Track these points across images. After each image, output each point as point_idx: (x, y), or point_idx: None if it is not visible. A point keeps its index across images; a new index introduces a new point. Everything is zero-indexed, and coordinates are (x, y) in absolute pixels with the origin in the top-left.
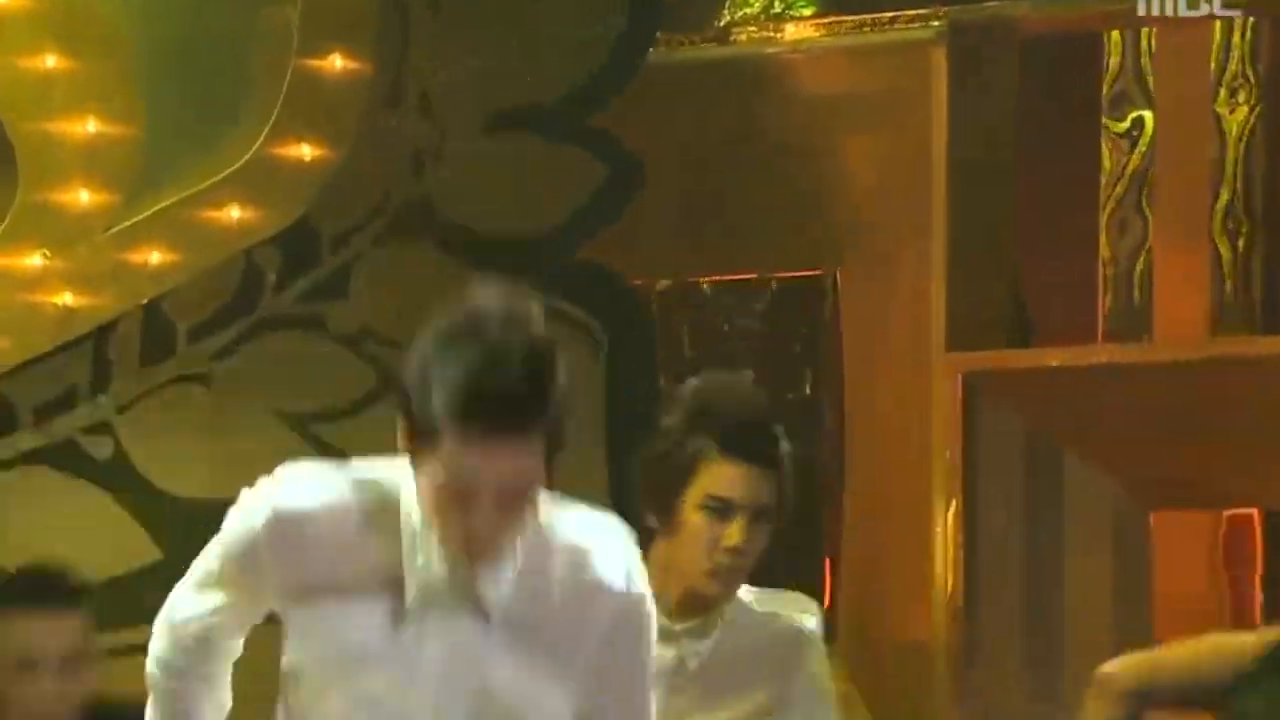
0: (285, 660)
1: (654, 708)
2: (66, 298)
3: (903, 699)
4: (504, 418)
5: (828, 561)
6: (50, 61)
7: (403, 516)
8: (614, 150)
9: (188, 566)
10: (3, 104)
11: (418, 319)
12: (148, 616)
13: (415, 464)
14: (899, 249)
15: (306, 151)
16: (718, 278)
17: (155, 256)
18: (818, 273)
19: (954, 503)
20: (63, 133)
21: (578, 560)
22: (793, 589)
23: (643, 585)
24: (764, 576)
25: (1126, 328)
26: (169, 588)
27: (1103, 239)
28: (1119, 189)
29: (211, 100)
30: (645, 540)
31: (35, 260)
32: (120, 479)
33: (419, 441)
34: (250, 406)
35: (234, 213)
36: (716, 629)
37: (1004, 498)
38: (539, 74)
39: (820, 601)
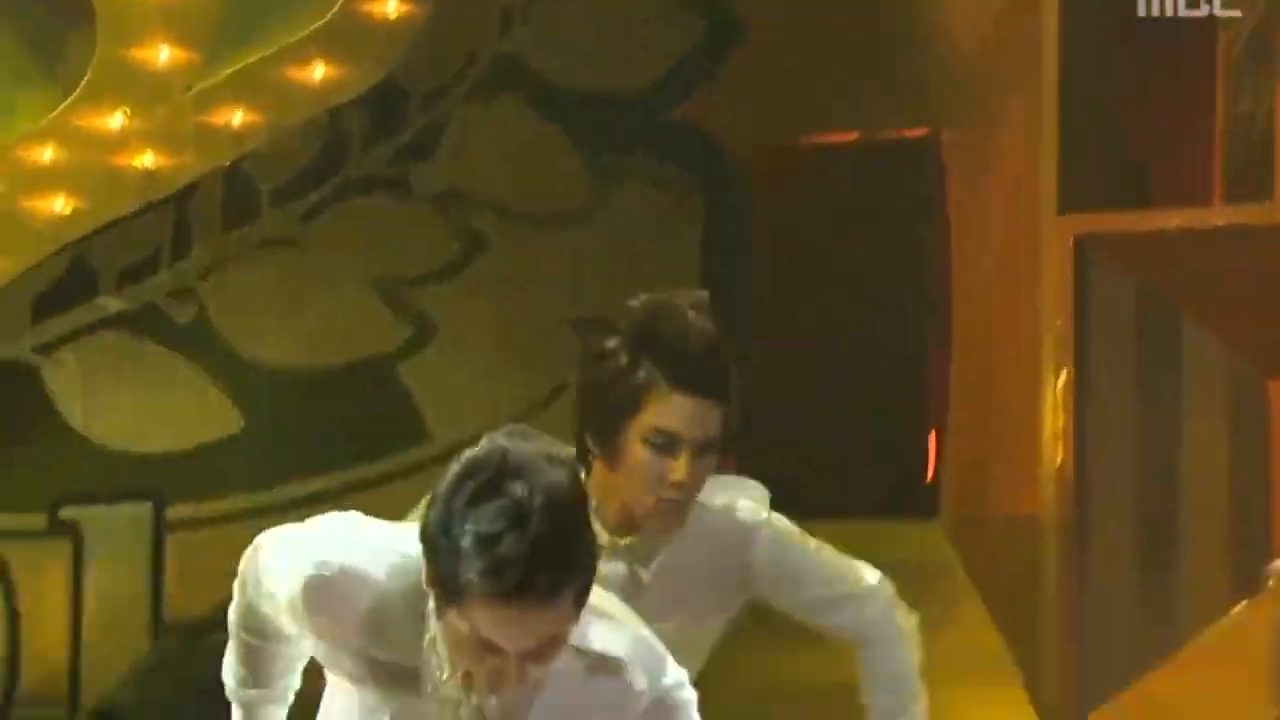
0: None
1: None
2: (147, 159)
3: (1009, 576)
4: (532, 587)
5: (933, 432)
6: None
7: (428, 610)
8: (711, 4)
9: (270, 437)
10: None
11: (508, 180)
12: (230, 486)
13: (439, 606)
14: (1008, 106)
15: (392, 7)
16: (817, 139)
17: (237, 117)
18: (922, 132)
19: (1064, 372)
20: None
21: (608, 672)
22: (895, 461)
23: (677, 676)
24: (864, 442)
25: (1246, 188)
26: (251, 458)
27: (1221, 97)
28: (1239, 45)
29: None
30: (583, 458)
31: (115, 121)
32: (203, 345)
33: (444, 593)
34: (336, 271)
35: (318, 71)
36: (668, 544)
37: (1117, 366)
38: None
39: (923, 474)
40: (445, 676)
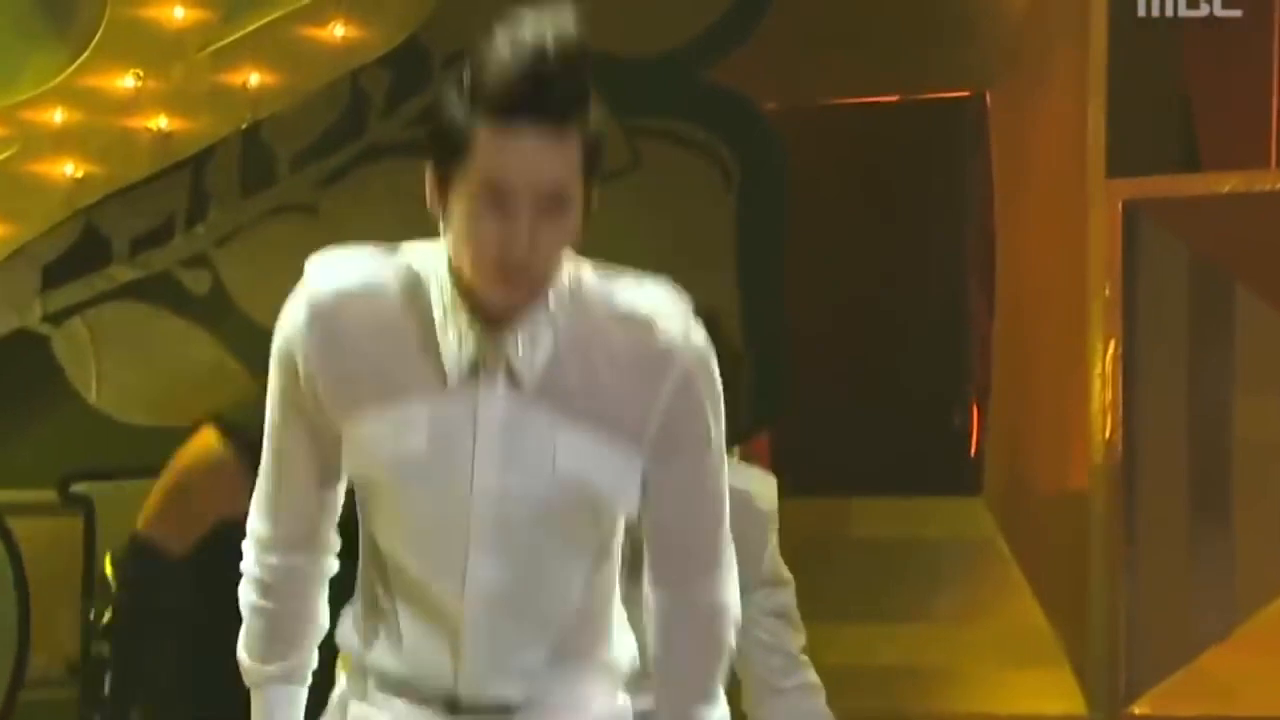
0: (350, 475)
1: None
2: (161, 122)
3: (1055, 555)
4: (538, 104)
5: (974, 403)
6: None
7: (433, 296)
8: None
9: None
10: None
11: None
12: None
13: (446, 212)
14: (1054, 66)
15: None
16: (855, 101)
17: (255, 78)
18: (965, 94)
19: (1113, 342)
20: None
21: (637, 328)
22: (935, 433)
23: (704, 341)
24: (906, 414)
25: None
26: None
27: (1276, 58)
28: None
29: None
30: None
31: (127, 81)
32: (219, 315)
33: (450, 165)
34: (357, 239)
35: (339, 30)
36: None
37: (1168, 336)
38: None
39: (967, 448)
40: (458, 344)
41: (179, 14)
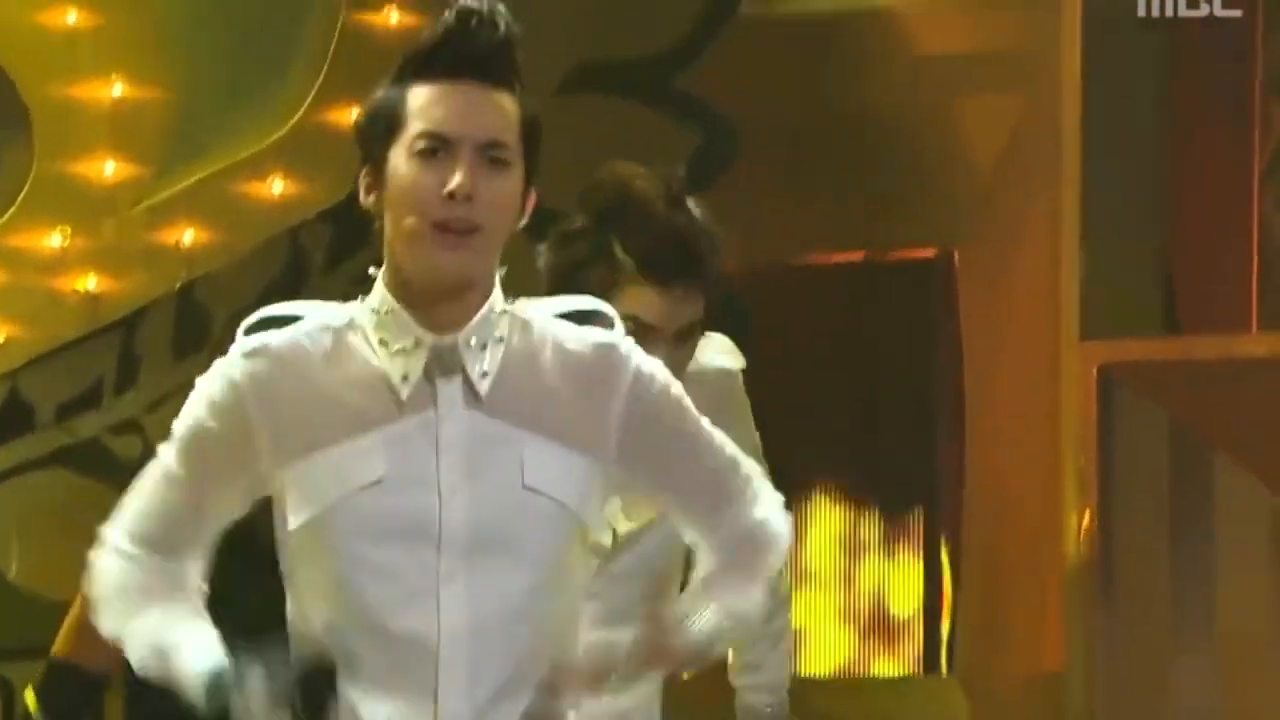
0: (294, 536)
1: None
2: (90, 282)
3: None
4: (468, 59)
5: (945, 582)
6: (71, 17)
7: (369, 325)
8: (705, 115)
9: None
10: (18, 64)
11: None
12: None
13: (381, 199)
14: (1025, 225)
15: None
16: (820, 259)
17: (189, 235)
18: (933, 252)
19: (1088, 514)
20: (85, 96)
21: (582, 337)
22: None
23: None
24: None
25: None
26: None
27: (1256, 215)
28: (1272, 156)
29: (253, 59)
30: None
31: (54, 240)
32: None
33: (385, 144)
34: None
35: (277, 186)
36: None
37: (1146, 508)
38: (619, 28)
39: (938, 633)
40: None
41: (109, 169)
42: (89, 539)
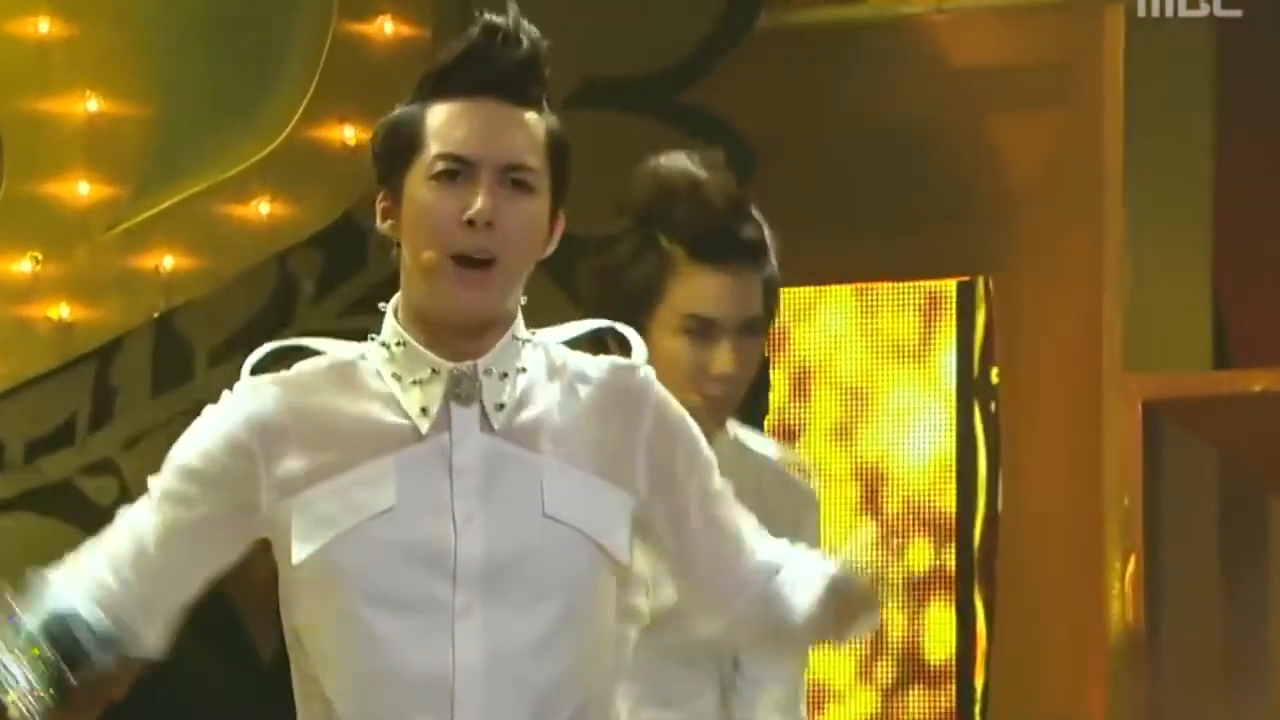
0: (298, 571)
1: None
2: (63, 310)
3: None
4: (492, 74)
5: (980, 631)
6: (43, 25)
7: (381, 356)
8: (719, 131)
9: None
10: None
11: (369, 151)
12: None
13: (398, 223)
14: (1065, 250)
15: (350, 134)
16: (844, 285)
17: (169, 261)
18: (965, 279)
19: (1133, 559)
20: (57, 111)
21: (606, 364)
22: (932, 666)
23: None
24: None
25: None
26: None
27: None
28: None
29: (237, 71)
30: None
31: (24, 266)
32: None
33: (404, 165)
34: None
35: (264, 208)
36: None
37: (1195, 554)
38: (630, 40)
39: (971, 685)
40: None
41: (84, 189)
42: None
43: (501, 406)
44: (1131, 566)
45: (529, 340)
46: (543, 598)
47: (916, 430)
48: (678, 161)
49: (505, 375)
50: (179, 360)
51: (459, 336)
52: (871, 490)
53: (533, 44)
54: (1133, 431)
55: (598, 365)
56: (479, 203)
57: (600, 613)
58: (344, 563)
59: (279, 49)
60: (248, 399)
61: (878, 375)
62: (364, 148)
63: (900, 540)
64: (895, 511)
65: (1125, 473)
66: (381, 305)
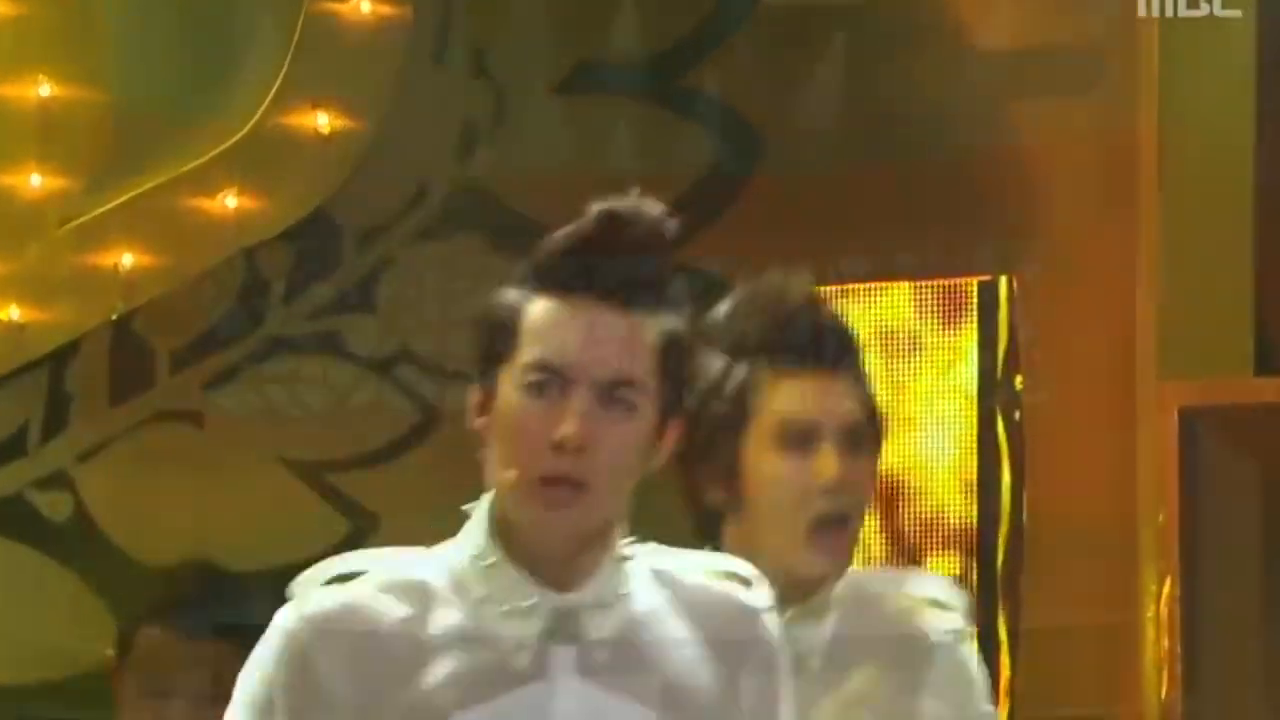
0: None
1: None
2: (13, 312)
3: None
4: (600, 270)
5: (1003, 662)
6: None
7: (466, 571)
8: (721, 117)
9: None
10: None
11: (463, 338)
12: None
13: (489, 426)
14: (1096, 248)
15: (324, 121)
16: (852, 284)
17: (128, 258)
18: (986, 278)
19: (1169, 580)
20: (7, 97)
21: (717, 596)
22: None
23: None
24: None
25: None
26: None
27: None
28: None
29: (201, 54)
30: (709, 531)
31: None
32: (82, 547)
33: (497, 360)
34: (250, 452)
35: (230, 201)
36: (830, 611)
37: (1236, 574)
38: (625, 20)
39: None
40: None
41: (36, 182)
42: (8, 611)
43: (603, 642)
44: (1167, 588)
45: (632, 558)
46: None
47: (935, 439)
48: (751, 285)
49: (606, 605)
50: (139, 365)
51: (554, 560)
52: (888, 503)
53: (652, 236)
54: (1168, 442)
55: (713, 598)
56: (568, 425)
57: None
58: None
59: (246, 28)
60: (306, 632)
61: (894, 380)
62: (340, 136)
63: (918, 556)
64: (913, 525)
65: (1160, 486)
66: (466, 508)
